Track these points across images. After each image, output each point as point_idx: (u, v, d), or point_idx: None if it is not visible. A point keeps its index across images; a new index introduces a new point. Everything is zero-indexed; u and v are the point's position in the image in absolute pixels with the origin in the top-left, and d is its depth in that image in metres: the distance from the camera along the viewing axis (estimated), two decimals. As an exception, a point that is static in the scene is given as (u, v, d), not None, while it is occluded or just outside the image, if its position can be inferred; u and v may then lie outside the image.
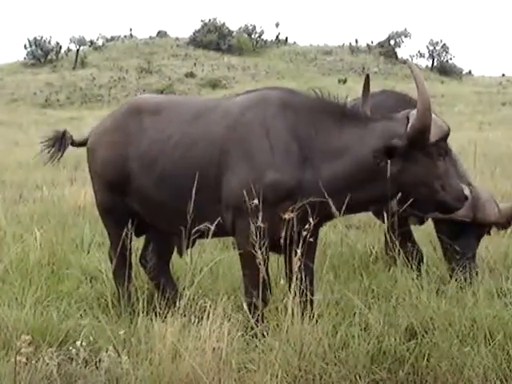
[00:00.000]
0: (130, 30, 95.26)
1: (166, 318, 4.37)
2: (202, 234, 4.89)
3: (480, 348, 4.32)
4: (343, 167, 4.94)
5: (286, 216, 4.58)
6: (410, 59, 64.96)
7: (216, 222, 4.77)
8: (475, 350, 4.31)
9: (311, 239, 4.67)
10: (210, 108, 5.54)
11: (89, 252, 7.43)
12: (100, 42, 67.10)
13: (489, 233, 6.30)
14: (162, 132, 5.46)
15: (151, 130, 5.53)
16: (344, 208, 4.79)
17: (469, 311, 4.74)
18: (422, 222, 6.27)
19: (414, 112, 4.98)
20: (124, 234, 5.43)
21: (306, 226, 4.47)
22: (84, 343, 4.34)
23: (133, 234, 5.73)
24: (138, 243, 6.26)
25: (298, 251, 4.36)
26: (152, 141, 5.48)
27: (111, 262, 5.81)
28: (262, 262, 4.55)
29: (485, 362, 4.19)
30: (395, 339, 4.40)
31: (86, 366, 4.30)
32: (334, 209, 4.78)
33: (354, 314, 4.62)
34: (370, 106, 6.98)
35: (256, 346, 4.29)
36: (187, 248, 5.31)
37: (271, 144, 5.02)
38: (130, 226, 5.46)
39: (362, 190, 4.93)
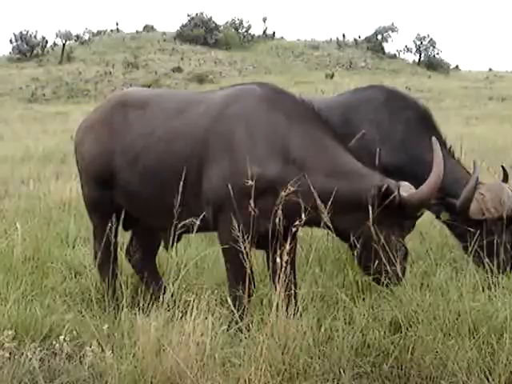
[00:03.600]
0: (117, 24, 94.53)
1: (149, 312, 4.36)
2: (188, 229, 4.87)
3: (464, 341, 4.32)
4: (332, 188, 4.84)
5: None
6: (397, 54, 65.13)
7: (201, 217, 4.78)
8: (459, 343, 4.31)
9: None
10: (194, 102, 5.55)
11: (74, 247, 7.39)
12: (86, 37, 66.88)
13: None
14: (147, 126, 5.46)
15: (136, 124, 5.53)
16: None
17: (453, 305, 4.74)
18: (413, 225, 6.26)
19: (403, 183, 5.01)
20: (109, 228, 5.40)
21: (296, 222, 4.47)
22: (67, 338, 4.32)
23: (119, 228, 5.73)
24: (123, 238, 6.24)
25: (287, 246, 4.35)
26: (137, 135, 5.47)
27: (95, 257, 5.78)
28: (245, 257, 4.55)
29: (469, 355, 4.19)
30: (379, 333, 4.40)
31: (69, 361, 4.29)
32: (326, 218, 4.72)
33: (339, 307, 4.61)
34: (359, 100, 7.01)
35: (240, 340, 4.28)
36: (173, 242, 5.30)
37: (254, 138, 5.02)
38: (114, 220, 5.43)
39: (337, 215, 4.86)
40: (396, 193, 4.86)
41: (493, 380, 4.00)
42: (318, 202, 4.69)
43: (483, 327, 4.46)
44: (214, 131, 5.14)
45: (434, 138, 5.27)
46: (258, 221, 4.74)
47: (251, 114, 5.16)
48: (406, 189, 4.96)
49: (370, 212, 4.69)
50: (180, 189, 4.93)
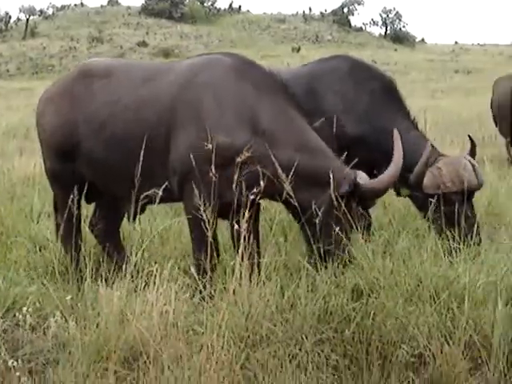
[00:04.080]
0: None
1: (113, 283, 4.36)
2: (152, 200, 4.87)
3: (425, 307, 4.38)
4: (296, 161, 4.91)
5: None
6: (363, 27, 65.15)
7: (163, 187, 4.77)
8: (420, 308, 4.37)
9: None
10: (161, 70, 5.56)
11: (38, 222, 7.34)
12: (50, 11, 66.21)
13: None
14: (112, 95, 5.43)
15: (101, 93, 5.50)
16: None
17: (415, 271, 4.80)
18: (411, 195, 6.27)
19: (361, 172, 5.10)
20: (71, 200, 5.35)
21: (254, 190, 4.49)
22: (31, 310, 4.30)
23: (82, 200, 5.71)
24: (86, 211, 6.23)
25: (246, 214, 4.37)
26: (102, 104, 5.44)
27: (58, 230, 5.76)
28: (208, 226, 4.57)
29: (430, 320, 4.24)
30: (342, 299, 4.43)
31: (32, 332, 4.28)
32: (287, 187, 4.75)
33: (301, 275, 4.64)
34: (324, 70, 6.99)
35: (203, 309, 4.31)
36: (136, 214, 5.30)
37: (223, 107, 5.04)
38: (77, 192, 5.37)
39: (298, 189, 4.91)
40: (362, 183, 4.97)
41: (453, 344, 4.06)
42: (279, 171, 4.72)
43: (444, 293, 4.52)
44: (181, 99, 5.14)
45: (395, 130, 5.31)
46: (224, 190, 4.75)
47: (220, 82, 5.17)
48: (362, 177, 5.06)
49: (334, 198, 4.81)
50: (140, 158, 4.92)
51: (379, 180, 5.03)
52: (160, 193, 4.70)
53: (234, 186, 4.63)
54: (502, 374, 4.07)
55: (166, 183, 4.88)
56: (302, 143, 5.09)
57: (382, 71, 7.19)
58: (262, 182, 4.54)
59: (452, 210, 5.96)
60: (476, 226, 6.10)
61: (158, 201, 4.75)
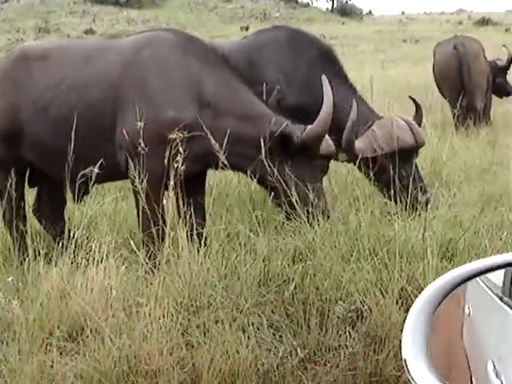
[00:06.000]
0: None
1: (55, 262, 4.42)
2: (101, 179, 4.93)
3: (363, 265, 4.50)
4: (244, 130, 5.12)
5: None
6: (310, 2, 65.19)
7: (98, 164, 4.81)
8: (358, 266, 4.49)
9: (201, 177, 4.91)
10: (102, 49, 5.60)
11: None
12: (-5, 5, 65.00)
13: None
14: (53, 77, 5.44)
15: (41, 76, 5.50)
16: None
17: (352, 232, 4.92)
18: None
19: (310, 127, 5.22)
20: (14, 184, 5.35)
21: (178, 158, 4.56)
22: (-26, 293, 4.34)
23: (25, 184, 5.72)
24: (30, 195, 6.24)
25: (171, 182, 4.45)
26: (43, 87, 5.44)
27: (4, 216, 5.77)
28: (156, 200, 4.67)
29: (366, 277, 4.37)
30: (282, 263, 4.54)
31: (-24, 316, 4.32)
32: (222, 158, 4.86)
33: (241, 242, 4.73)
34: (263, 41, 7.04)
35: (145, 279, 4.38)
36: (81, 195, 5.34)
37: (169, 82, 5.09)
38: (14, 175, 5.36)
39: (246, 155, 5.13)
40: (297, 134, 5.06)
41: (389, 297, 4.18)
42: (212, 141, 4.81)
43: (381, 251, 4.65)
44: (127, 76, 5.19)
45: (323, 76, 5.40)
46: (173, 164, 4.81)
47: (163, 58, 5.25)
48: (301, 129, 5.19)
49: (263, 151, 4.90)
50: (72, 134, 4.96)
51: (312, 126, 5.15)
52: (96, 170, 4.73)
53: (186, 160, 4.69)
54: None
55: (101, 160, 4.90)
56: (245, 112, 5.19)
57: (320, 39, 7.25)
58: (181, 149, 4.59)
59: (391, 171, 5.98)
60: (421, 185, 6.21)
61: (94, 179, 4.79)
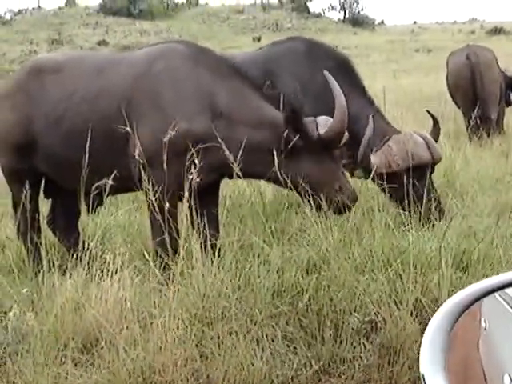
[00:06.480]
0: (38, 1, 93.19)
1: (70, 274, 4.43)
2: (106, 190, 4.94)
3: (377, 276, 4.50)
4: (259, 138, 5.13)
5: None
6: (322, 13, 65.28)
7: (113, 176, 4.83)
8: (373, 277, 4.49)
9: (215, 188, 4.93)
10: (114, 61, 5.63)
11: (1, 222, 7.36)
12: (8, 16, 65.47)
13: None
14: (66, 89, 5.46)
15: (54, 88, 5.52)
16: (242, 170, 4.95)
17: (366, 242, 4.91)
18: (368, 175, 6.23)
19: (321, 118, 5.32)
20: (29, 196, 5.39)
21: (192, 170, 4.57)
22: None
23: (39, 195, 5.75)
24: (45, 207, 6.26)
25: (185, 194, 4.44)
26: (56, 99, 5.47)
27: (18, 228, 5.79)
28: (170, 211, 4.68)
29: (380, 288, 4.36)
30: (296, 274, 4.54)
31: (-7, 328, 4.33)
32: (236, 169, 4.87)
33: (254, 253, 4.73)
34: (279, 52, 7.05)
35: (160, 291, 4.39)
36: (95, 206, 5.35)
37: (182, 94, 5.12)
38: (29, 187, 5.40)
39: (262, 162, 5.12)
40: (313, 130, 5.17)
41: (403, 309, 4.17)
42: (226, 152, 4.82)
43: (395, 262, 4.64)
44: (140, 88, 5.21)
45: (325, 72, 5.42)
46: (188, 176, 4.81)
47: (176, 70, 5.26)
48: (323, 123, 5.27)
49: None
50: (86, 147, 4.97)
51: (330, 125, 5.19)
52: (110, 182, 4.75)
53: (200, 171, 4.69)
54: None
55: (115, 172, 4.92)
56: (259, 120, 5.22)
57: (337, 50, 7.25)
58: (197, 162, 4.60)
59: (406, 187, 5.93)
60: (437, 200, 6.17)
61: (108, 190, 4.80)
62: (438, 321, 1.66)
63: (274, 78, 6.62)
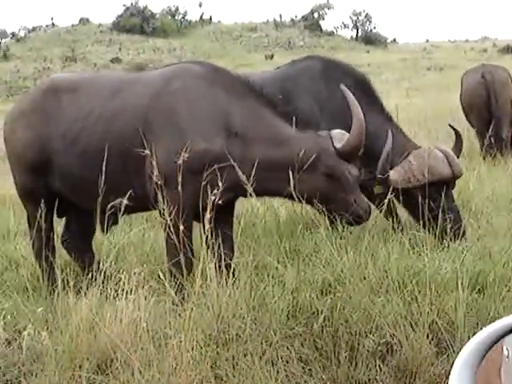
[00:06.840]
0: (52, 18, 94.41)
1: (85, 293, 4.43)
2: (121, 209, 4.93)
3: (392, 297, 4.47)
4: (274, 156, 5.17)
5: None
6: (334, 31, 65.43)
7: (129, 195, 4.83)
8: (388, 299, 4.46)
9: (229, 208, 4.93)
10: (130, 81, 5.65)
11: (15, 239, 7.37)
12: (22, 34, 66.02)
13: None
14: (82, 109, 5.49)
15: (70, 107, 5.55)
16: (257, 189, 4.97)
17: (381, 263, 4.89)
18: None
19: (335, 132, 5.35)
20: (44, 215, 5.40)
21: (215, 191, 4.57)
22: (4, 324, 4.36)
23: (54, 215, 5.75)
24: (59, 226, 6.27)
25: (207, 215, 4.43)
26: (72, 118, 5.50)
27: (33, 246, 5.80)
28: (186, 232, 4.68)
29: (396, 309, 4.34)
30: (311, 295, 4.52)
31: (7, 346, 4.33)
32: (250, 189, 4.88)
33: (269, 273, 4.71)
34: (296, 71, 7.06)
35: (174, 311, 4.38)
36: (109, 226, 5.36)
37: (197, 114, 5.14)
38: (44, 206, 5.42)
39: (279, 180, 5.16)
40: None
41: (419, 331, 4.14)
42: (240, 173, 4.83)
43: (411, 283, 4.62)
44: (155, 108, 5.25)
45: (342, 86, 5.42)
46: (205, 195, 4.82)
47: (192, 90, 5.28)
48: (338, 137, 5.29)
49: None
50: (103, 166, 5.00)
51: (348, 139, 5.21)
52: (125, 201, 4.75)
53: (213, 190, 4.69)
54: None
55: (131, 191, 4.93)
56: (274, 138, 5.25)
57: (354, 68, 7.24)
58: (220, 183, 4.60)
59: (428, 201, 5.93)
60: (458, 216, 6.15)
61: (123, 209, 4.81)
62: (464, 357, 1.65)
63: (292, 97, 6.64)
